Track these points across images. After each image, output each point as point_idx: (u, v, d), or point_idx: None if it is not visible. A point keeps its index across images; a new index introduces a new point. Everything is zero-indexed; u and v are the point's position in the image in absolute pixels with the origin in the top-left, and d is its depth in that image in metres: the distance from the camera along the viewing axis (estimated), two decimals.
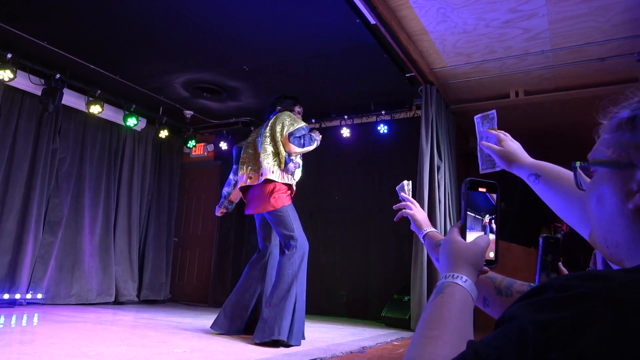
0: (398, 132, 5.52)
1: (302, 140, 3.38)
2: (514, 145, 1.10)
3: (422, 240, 1.19)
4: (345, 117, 5.79)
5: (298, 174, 3.54)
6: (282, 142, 3.38)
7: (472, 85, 4.81)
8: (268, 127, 3.46)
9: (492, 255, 0.85)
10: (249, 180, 3.42)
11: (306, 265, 3.30)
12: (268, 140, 3.41)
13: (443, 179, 4.66)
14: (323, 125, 5.95)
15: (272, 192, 3.30)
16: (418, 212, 1.25)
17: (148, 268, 6.13)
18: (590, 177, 0.69)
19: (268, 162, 3.34)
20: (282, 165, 3.36)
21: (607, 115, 0.65)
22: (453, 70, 4.53)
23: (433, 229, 1.19)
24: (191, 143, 6.26)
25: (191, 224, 6.81)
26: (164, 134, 6.03)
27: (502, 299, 0.95)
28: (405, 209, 1.28)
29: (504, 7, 3.52)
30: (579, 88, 4.58)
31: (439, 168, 4.61)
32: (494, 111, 1.18)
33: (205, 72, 4.87)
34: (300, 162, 3.54)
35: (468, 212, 0.84)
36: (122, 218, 5.86)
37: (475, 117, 1.20)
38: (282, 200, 3.31)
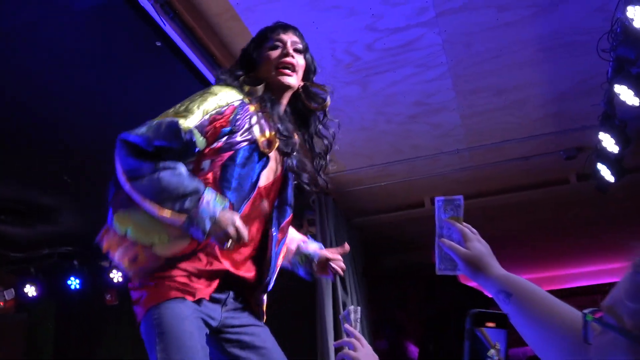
0: None
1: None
2: (482, 249, 1.01)
3: None
4: None
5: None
6: None
7: (377, 193, 4.45)
8: None
9: None
10: None
11: None
12: None
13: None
14: None
15: None
16: (364, 356, 1.09)
17: None
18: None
19: None
20: None
21: (630, 262, 0.61)
22: (352, 174, 4.13)
23: None
24: None
25: None
26: None
27: None
28: (347, 347, 1.13)
29: (407, 100, 3.26)
30: (504, 192, 4.42)
31: (344, 304, 3.99)
32: (461, 197, 1.12)
33: (2, 186, 3.91)
34: None
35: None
36: None
37: (437, 198, 1.14)
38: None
